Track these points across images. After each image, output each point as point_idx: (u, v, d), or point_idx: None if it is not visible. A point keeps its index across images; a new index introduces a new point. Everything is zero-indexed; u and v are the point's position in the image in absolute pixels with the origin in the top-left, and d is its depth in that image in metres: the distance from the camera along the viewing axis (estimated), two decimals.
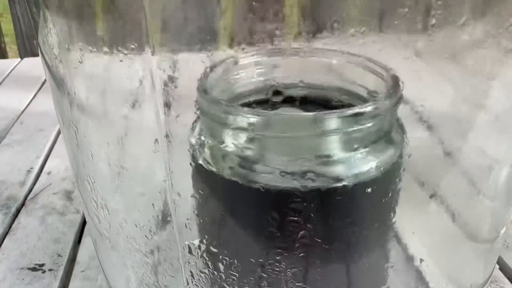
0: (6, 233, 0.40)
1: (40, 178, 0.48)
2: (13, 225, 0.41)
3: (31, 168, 0.49)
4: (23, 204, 0.43)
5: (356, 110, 0.19)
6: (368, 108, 0.20)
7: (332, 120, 0.19)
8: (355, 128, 0.19)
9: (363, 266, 0.20)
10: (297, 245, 0.18)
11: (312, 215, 0.18)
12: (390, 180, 0.20)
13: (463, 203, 0.22)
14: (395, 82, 0.21)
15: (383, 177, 0.20)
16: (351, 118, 0.19)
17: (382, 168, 0.20)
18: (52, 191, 0.45)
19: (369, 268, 0.20)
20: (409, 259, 0.22)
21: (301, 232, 0.17)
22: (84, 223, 0.41)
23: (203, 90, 0.21)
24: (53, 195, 0.45)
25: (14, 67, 0.77)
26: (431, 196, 0.22)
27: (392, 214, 0.20)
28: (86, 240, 0.39)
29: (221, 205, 0.19)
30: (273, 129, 0.20)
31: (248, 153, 0.20)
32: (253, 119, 0.20)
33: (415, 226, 0.21)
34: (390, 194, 0.20)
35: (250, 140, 0.20)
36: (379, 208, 0.20)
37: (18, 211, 0.43)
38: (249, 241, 0.19)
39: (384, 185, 0.20)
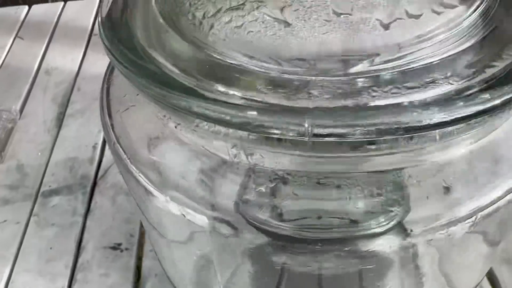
0: (86, 213, 0.49)
1: (105, 153, 0.56)
2: (91, 205, 0.50)
3: (96, 143, 0.57)
4: (95, 183, 0.52)
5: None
6: None
7: None
8: None
9: None
10: None
11: None
12: None
13: None
14: None
15: None
16: None
17: None
18: (116, 169, 0.54)
19: None
20: None
21: None
22: None
23: None
24: (118, 174, 0.53)
25: (60, 14, 0.80)
26: None
27: None
28: None
29: None
30: None
31: None
32: None
33: None
34: None
35: None
36: None
37: (92, 190, 0.52)
38: None
39: None
